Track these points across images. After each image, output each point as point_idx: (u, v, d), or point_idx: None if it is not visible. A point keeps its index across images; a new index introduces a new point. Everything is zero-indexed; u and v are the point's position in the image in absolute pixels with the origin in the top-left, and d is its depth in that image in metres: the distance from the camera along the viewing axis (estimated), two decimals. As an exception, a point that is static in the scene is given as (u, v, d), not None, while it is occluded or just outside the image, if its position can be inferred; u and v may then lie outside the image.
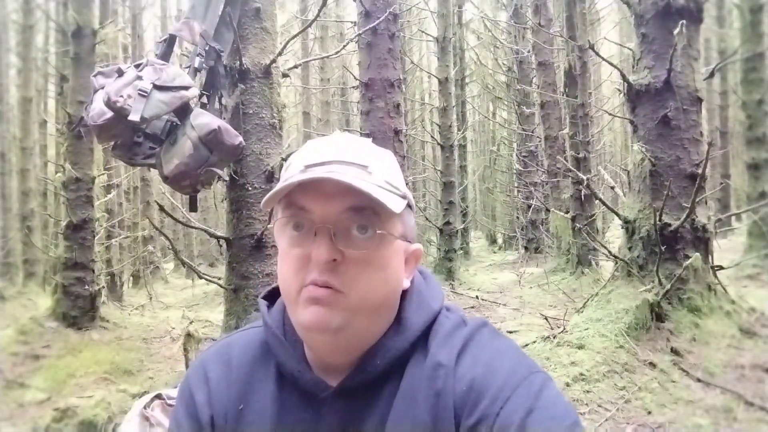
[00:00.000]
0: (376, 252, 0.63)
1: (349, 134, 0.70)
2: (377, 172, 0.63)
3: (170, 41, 2.89)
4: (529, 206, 11.16)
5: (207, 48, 2.92)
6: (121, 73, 2.44)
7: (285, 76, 3.79)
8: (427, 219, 10.19)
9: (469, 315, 0.74)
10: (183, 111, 2.56)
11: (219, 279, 4.01)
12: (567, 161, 7.09)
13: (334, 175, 0.60)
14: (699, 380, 2.96)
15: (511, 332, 4.66)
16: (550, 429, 0.57)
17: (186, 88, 2.51)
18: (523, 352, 0.68)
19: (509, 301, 6.49)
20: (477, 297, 6.62)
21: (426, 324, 0.68)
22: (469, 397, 0.61)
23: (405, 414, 0.62)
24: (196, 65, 2.84)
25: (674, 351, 3.18)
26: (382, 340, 0.66)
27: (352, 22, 8.34)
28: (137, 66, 2.50)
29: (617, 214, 4.16)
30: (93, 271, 5.23)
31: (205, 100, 2.96)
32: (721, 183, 11.85)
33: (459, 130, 10.72)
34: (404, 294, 0.69)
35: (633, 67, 3.93)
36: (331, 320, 0.62)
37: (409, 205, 0.68)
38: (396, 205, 0.62)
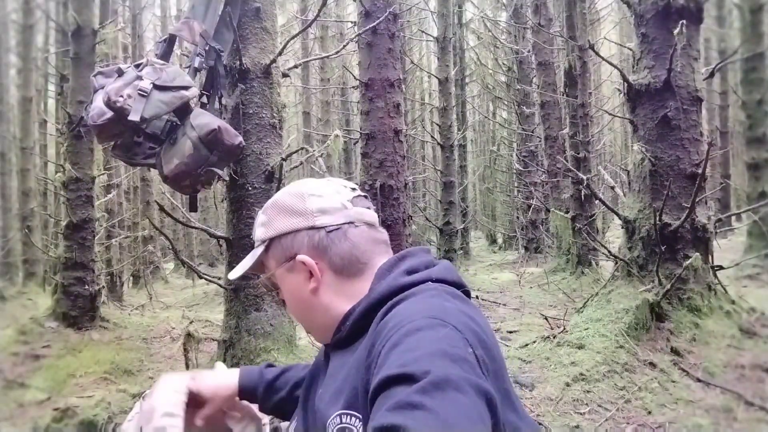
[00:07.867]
0: (281, 287, 0.87)
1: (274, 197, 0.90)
2: (257, 236, 0.88)
3: (170, 41, 2.89)
4: (529, 206, 11.15)
5: (207, 48, 2.92)
6: (121, 73, 2.44)
7: (285, 76, 3.79)
8: (427, 219, 10.19)
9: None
10: (183, 111, 2.56)
11: (219, 279, 4.01)
12: (567, 161, 7.09)
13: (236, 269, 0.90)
14: (699, 380, 2.96)
15: (511, 332, 4.66)
16: (399, 360, 0.57)
17: (186, 88, 2.51)
18: (453, 309, 0.67)
19: (509, 301, 6.49)
20: (477, 297, 6.61)
21: (384, 293, 0.76)
22: (372, 342, 0.67)
23: (358, 365, 0.70)
24: (196, 65, 2.84)
25: (674, 351, 3.18)
26: (354, 307, 0.79)
27: (352, 22, 8.35)
28: (137, 66, 2.50)
29: (617, 214, 4.16)
30: (93, 271, 5.22)
31: (205, 100, 2.95)
32: (721, 183, 11.84)
33: (459, 130, 10.71)
34: (378, 272, 0.82)
35: (633, 67, 3.93)
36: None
37: (275, 237, 0.85)
38: (249, 263, 0.88)
